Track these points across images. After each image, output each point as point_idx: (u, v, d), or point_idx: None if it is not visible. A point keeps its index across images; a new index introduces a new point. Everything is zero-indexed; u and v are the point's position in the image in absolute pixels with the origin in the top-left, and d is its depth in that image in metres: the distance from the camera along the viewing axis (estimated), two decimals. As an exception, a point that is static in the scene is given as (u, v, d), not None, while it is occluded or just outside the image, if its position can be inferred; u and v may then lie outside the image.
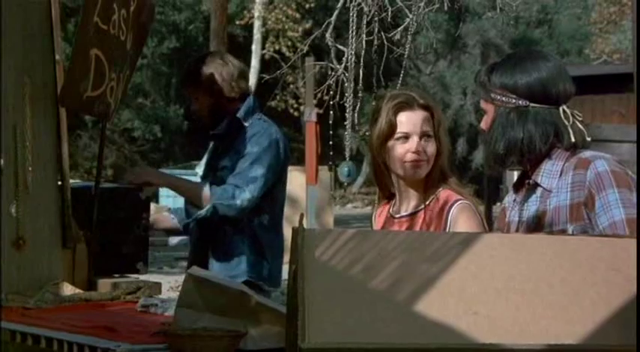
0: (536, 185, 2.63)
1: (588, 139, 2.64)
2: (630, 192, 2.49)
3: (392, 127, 2.98)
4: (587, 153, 2.60)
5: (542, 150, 2.60)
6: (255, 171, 4.05)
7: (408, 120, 2.99)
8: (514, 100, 2.61)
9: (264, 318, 2.57)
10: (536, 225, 2.58)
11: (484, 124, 2.70)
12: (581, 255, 2.00)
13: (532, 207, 2.62)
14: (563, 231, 2.52)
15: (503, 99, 2.62)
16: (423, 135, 2.99)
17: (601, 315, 1.88)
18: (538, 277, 1.94)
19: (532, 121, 2.60)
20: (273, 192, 4.21)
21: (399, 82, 5.05)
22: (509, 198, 2.80)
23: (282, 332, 2.19)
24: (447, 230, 2.90)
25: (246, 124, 4.15)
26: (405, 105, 2.99)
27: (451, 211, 2.94)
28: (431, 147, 3.01)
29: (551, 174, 2.60)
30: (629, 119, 13.87)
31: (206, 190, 4.11)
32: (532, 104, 2.60)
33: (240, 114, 4.14)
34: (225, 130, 4.16)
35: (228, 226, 4.12)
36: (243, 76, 4.28)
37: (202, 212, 4.08)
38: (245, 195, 4.02)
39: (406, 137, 2.98)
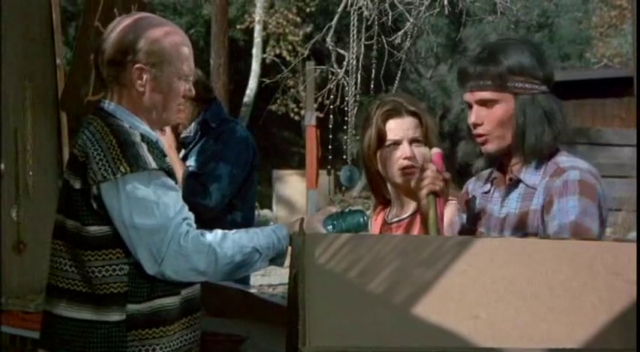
0: (519, 181, 2.53)
1: None
2: (592, 202, 2.39)
3: (381, 135, 2.95)
4: (565, 161, 2.49)
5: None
6: (220, 170, 4.23)
7: (397, 127, 2.95)
8: (537, 86, 2.47)
9: (266, 315, 2.56)
10: (519, 223, 2.49)
11: (491, 117, 2.49)
12: (581, 259, 2.00)
13: (513, 203, 2.53)
14: (535, 235, 2.43)
15: (527, 85, 2.46)
16: (413, 141, 2.95)
17: (601, 319, 1.88)
18: (538, 281, 1.94)
19: (559, 106, 2.48)
20: (242, 189, 4.34)
21: (395, 85, 5.05)
22: (478, 188, 2.70)
23: (283, 331, 2.18)
24: None
25: (213, 125, 4.37)
26: (393, 112, 2.95)
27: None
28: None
29: (534, 171, 2.50)
30: (629, 123, 13.85)
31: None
32: (547, 89, 2.49)
33: (207, 116, 4.37)
34: (194, 133, 4.39)
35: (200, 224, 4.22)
36: (207, 79, 4.62)
37: None
38: (212, 195, 4.18)
39: (396, 144, 2.94)
